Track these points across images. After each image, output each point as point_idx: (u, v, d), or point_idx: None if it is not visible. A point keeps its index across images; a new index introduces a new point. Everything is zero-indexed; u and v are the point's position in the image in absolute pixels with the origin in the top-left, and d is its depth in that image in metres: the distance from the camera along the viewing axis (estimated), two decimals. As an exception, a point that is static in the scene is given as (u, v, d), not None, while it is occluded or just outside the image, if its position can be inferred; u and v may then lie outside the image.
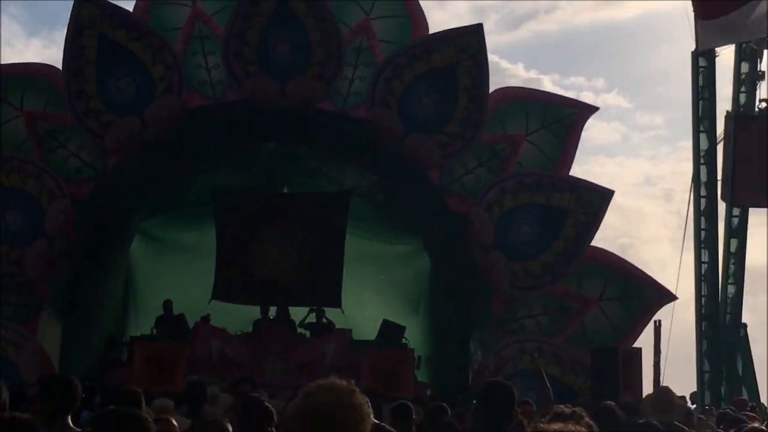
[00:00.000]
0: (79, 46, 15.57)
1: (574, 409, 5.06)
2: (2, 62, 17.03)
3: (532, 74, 53.42)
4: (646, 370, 15.17)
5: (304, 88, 15.77)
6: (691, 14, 15.46)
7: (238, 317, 17.05)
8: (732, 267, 17.06)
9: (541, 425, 3.80)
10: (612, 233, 13.67)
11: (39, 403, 6.05)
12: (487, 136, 15.98)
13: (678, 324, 16.61)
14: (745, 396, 16.11)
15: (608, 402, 7.88)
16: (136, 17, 15.88)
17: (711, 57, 16.95)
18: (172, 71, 15.68)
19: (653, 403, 10.32)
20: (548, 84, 48.31)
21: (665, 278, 16.00)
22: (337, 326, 16.79)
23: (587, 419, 4.43)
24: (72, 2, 15.67)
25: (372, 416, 3.40)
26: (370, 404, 3.30)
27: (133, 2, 16.17)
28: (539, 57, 62.17)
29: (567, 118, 16.21)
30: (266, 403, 6.90)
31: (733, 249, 17.06)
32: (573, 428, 3.56)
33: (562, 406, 6.16)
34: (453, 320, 16.74)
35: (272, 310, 17.15)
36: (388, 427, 6.42)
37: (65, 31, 16.14)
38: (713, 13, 14.82)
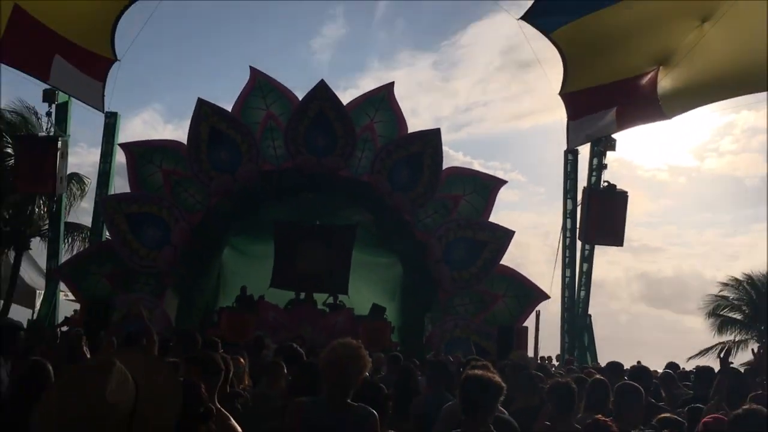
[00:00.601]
0: (198, 131, 16.06)
1: (485, 362, 5.79)
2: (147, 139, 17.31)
3: (468, 159, 56.06)
4: (530, 342, 15.63)
5: (332, 161, 16.22)
6: (564, 124, 15.53)
7: (281, 297, 17.27)
8: (584, 279, 17.39)
9: (469, 371, 3.96)
10: (510, 256, 14.14)
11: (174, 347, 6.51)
12: (440, 195, 16.42)
13: (550, 314, 17.01)
14: (588, 359, 16.16)
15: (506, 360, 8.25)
16: (233, 115, 16.33)
17: (575, 152, 17.35)
18: (253, 148, 16.13)
19: (519, 359, 10.98)
20: (477, 165, 50.35)
21: (543, 285, 16.63)
22: (345, 306, 17.00)
23: (492, 368, 4.75)
24: (195, 105, 16.11)
25: (370, 362, 3.58)
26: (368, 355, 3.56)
27: (232, 104, 16.62)
28: (472, 149, 64.99)
29: (489, 186, 16.79)
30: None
31: (584, 269, 17.38)
32: (489, 373, 3.93)
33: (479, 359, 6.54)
34: (415, 305, 16.88)
35: (303, 295, 17.31)
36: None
37: (186, 120, 16.74)
38: (578, 115, 14.88)
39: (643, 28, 11.98)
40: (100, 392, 1.80)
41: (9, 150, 17.65)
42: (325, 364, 3.49)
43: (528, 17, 12.67)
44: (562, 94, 14.33)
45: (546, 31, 12.95)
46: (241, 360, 5.95)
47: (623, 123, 14.31)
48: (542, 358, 15.33)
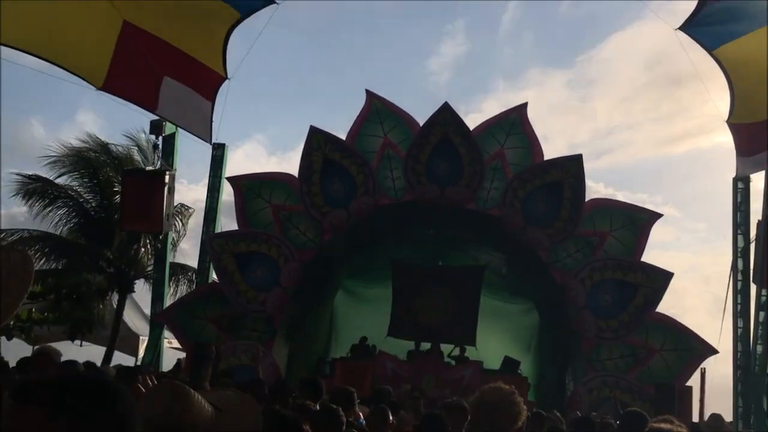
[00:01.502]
0: (310, 161, 16.33)
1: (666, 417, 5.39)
2: (253, 172, 17.82)
3: (610, 191, 53.70)
4: (694, 405, 14.64)
5: (457, 193, 16.10)
6: (731, 148, 15.09)
7: (398, 348, 17.06)
8: (760, 331, 16.46)
9: (653, 425, 3.84)
10: (664, 304, 13.50)
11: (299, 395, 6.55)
12: (582, 231, 16.01)
13: (716, 374, 15.71)
14: None
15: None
16: (347, 144, 16.51)
17: (746, 179, 16.63)
18: (369, 179, 16.22)
19: (709, 425, 10.53)
20: (621, 197, 48.05)
21: (706, 338, 15.71)
22: (472, 359, 16.65)
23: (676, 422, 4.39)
24: (306, 134, 16.43)
25: (525, 412, 3.50)
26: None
27: (346, 133, 16.82)
28: (614, 179, 62.41)
29: (640, 220, 16.12)
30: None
31: (761, 319, 16.51)
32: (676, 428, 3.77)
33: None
34: (554, 359, 16.59)
35: (426, 345, 17.03)
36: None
37: (291, 152, 17.20)
38: (748, 152, 14.44)
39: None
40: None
41: (116, 188, 18.51)
42: (482, 410, 3.44)
43: (687, 27, 12.06)
44: (730, 123, 13.57)
45: (707, 47, 12.54)
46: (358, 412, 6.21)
47: None
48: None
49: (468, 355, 16.90)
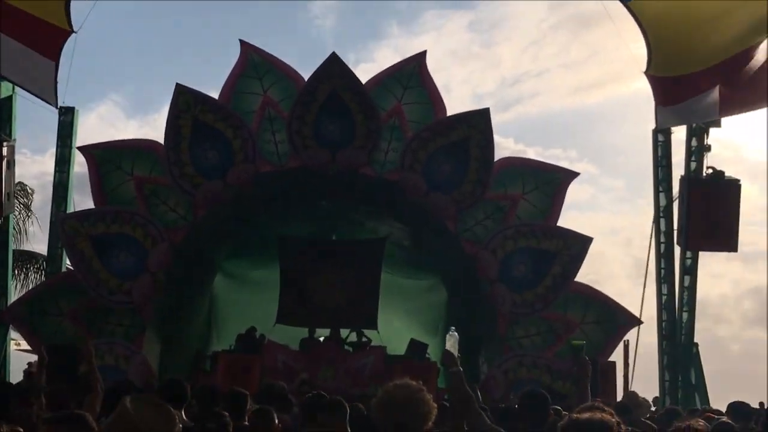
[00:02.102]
0: (177, 125, 15.62)
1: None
2: (110, 140, 17.02)
3: (520, 147, 53.51)
4: (619, 381, 15.45)
5: (349, 157, 15.79)
6: (649, 96, 14.96)
7: (290, 336, 16.89)
8: (685, 297, 16.94)
9: (573, 416, 3.62)
10: (581, 271, 13.62)
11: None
12: (492, 195, 15.88)
13: (642, 345, 16.64)
14: (697, 401, 15.86)
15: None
16: (221, 103, 15.90)
17: (667, 132, 16.94)
18: (248, 144, 15.71)
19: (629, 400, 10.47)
20: (533, 154, 48.35)
21: (629, 307, 16.08)
22: (373, 344, 16.57)
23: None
24: (172, 92, 15.66)
25: (435, 410, 3.45)
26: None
27: (219, 90, 16.16)
28: (524, 133, 62.74)
29: (555, 180, 16.14)
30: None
31: (686, 284, 16.95)
32: (600, 415, 3.53)
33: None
34: (465, 340, 16.68)
35: (321, 332, 17.04)
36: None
37: (155, 114, 16.52)
38: (669, 102, 14.50)
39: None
40: None
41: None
42: (386, 412, 3.41)
43: None
44: (648, 75, 13.87)
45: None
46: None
47: (727, 108, 13.97)
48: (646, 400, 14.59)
49: (368, 340, 16.83)
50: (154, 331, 15.64)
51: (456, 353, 4.66)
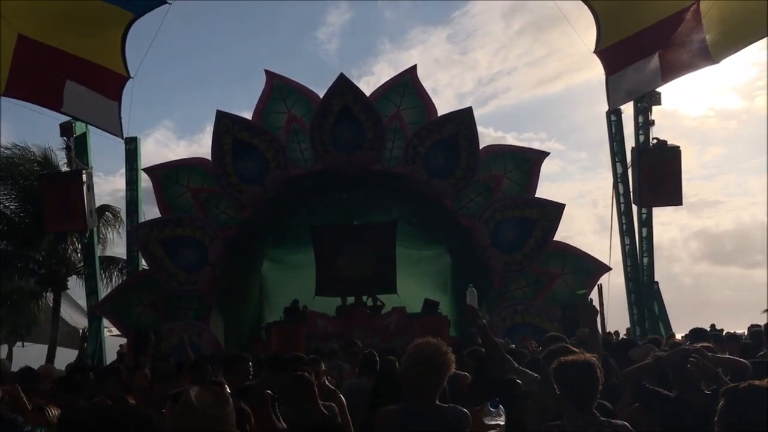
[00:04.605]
0: (221, 144, 15.96)
1: (564, 344, 5.04)
2: (165, 160, 17.25)
3: (499, 134, 54.79)
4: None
5: (362, 157, 16.02)
6: (601, 81, 15.09)
7: (327, 305, 17.17)
8: (644, 245, 17.05)
9: (563, 360, 3.67)
10: (558, 231, 13.88)
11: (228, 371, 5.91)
12: (480, 177, 16.10)
13: (613, 286, 16.63)
14: (661, 328, 15.96)
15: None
16: (254, 123, 16.18)
17: (618, 111, 16.94)
18: (279, 154, 16.01)
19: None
20: (510, 140, 49.30)
21: (597, 256, 16.29)
22: (394, 306, 16.70)
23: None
24: (214, 118, 15.98)
25: (454, 360, 3.51)
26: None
27: (248, 108, 16.55)
28: (502, 122, 63.57)
29: (530, 160, 16.36)
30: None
31: (644, 234, 17.06)
32: (584, 356, 3.70)
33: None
34: None
35: (350, 300, 17.23)
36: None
37: (200, 134, 16.86)
38: (617, 68, 14.39)
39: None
40: None
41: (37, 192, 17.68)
42: (413, 365, 3.41)
43: None
44: (598, 51, 13.80)
45: None
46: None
47: (668, 73, 13.79)
48: (609, 333, 14.95)
49: (382, 303, 17.14)
50: (218, 311, 15.99)
51: (476, 306, 4.75)
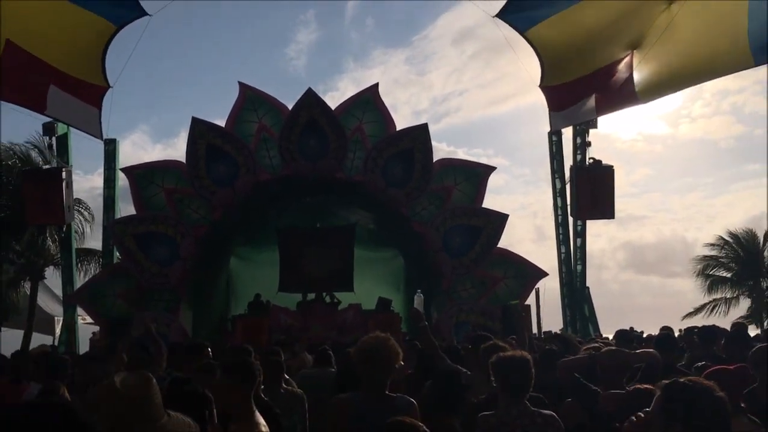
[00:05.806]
0: (195, 148, 15.93)
1: (495, 342, 5.04)
2: (141, 162, 17.20)
3: (451, 149, 56.51)
4: (533, 317, 15.56)
5: (326, 165, 16.11)
6: (543, 105, 14.93)
7: (288, 301, 17.12)
8: (579, 254, 17.41)
9: (502, 355, 3.79)
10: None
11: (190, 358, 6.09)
12: (433, 187, 16.26)
13: (548, 290, 16.55)
14: (591, 330, 16.39)
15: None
16: (227, 130, 16.14)
17: (558, 132, 17.27)
18: (249, 160, 16.03)
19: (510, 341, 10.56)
20: (461, 154, 50.30)
21: (535, 262, 16.35)
22: (350, 302, 16.75)
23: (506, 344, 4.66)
24: (190, 124, 15.90)
25: (401, 353, 3.49)
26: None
27: (219, 114, 16.83)
28: (454, 138, 64.96)
29: (478, 174, 16.57)
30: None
31: (578, 244, 17.44)
32: (520, 352, 3.84)
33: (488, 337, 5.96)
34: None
35: (310, 296, 17.22)
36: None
37: (175, 138, 16.76)
38: (559, 107, 14.56)
39: (613, 17, 11.79)
40: None
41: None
42: (362, 358, 3.43)
43: (503, 14, 12.52)
44: (542, 87, 14.19)
45: (519, 30, 12.79)
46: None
47: (602, 109, 14.16)
48: (545, 333, 15.18)
49: (339, 301, 17.20)
50: (187, 304, 15.94)
51: (422, 310, 5.05)
